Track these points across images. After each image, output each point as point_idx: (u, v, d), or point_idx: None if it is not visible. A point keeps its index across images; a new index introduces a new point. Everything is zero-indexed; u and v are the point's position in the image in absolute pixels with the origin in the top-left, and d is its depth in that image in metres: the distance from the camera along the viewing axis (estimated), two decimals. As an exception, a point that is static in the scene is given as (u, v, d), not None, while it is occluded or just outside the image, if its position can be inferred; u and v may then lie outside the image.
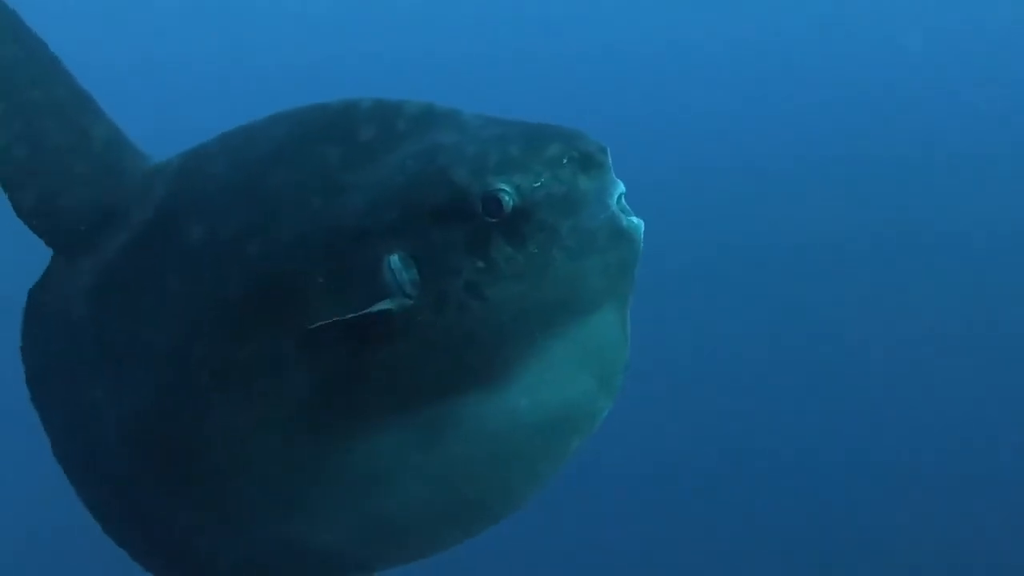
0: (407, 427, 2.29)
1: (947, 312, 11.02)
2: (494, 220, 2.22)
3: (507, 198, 2.22)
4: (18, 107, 2.49)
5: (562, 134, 2.29)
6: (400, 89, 2.53)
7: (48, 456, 2.66)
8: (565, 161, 2.25)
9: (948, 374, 10.12)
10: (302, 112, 2.41)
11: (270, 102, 2.64)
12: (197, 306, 2.38)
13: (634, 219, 2.29)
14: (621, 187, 2.30)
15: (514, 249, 2.22)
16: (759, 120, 14.35)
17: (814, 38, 15.89)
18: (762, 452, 9.41)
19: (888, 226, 12.23)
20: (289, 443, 2.35)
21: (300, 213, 2.30)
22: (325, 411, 2.31)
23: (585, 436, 2.35)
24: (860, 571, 8.41)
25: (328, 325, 2.24)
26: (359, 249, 2.26)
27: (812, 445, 9.48)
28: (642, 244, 2.29)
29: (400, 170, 2.27)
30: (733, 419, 9.75)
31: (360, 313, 2.22)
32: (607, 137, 2.37)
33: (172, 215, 2.44)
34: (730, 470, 9.28)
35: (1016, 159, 13.46)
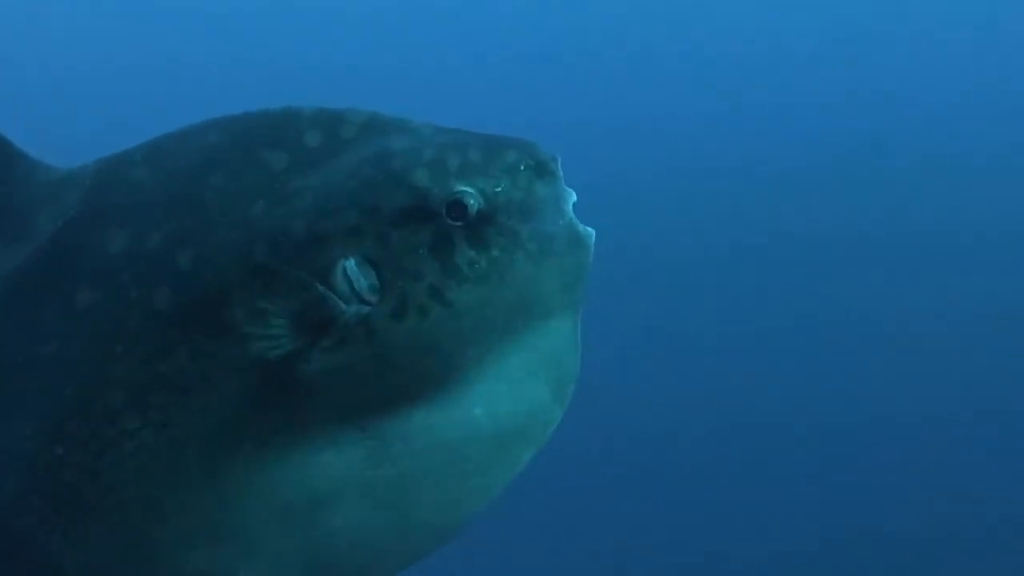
0: (353, 442, 2.20)
1: (946, 307, 11.11)
2: (458, 224, 2.20)
3: (472, 201, 2.21)
4: None
5: (516, 143, 2.31)
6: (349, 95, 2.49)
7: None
8: (522, 168, 2.27)
9: (945, 372, 10.18)
10: (238, 119, 2.33)
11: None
12: (113, 320, 2.24)
13: (588, 228, 2.31)
14: (574, 196, 2.32)
15: (477, 253, 2.20)
16: (760, 120, 14.42)
17: (812, 40, 15.94)
18: (765, 452, 9.42)
19: (886, 223, 12.33)
20: (215, 465, 2.21)
21: (240, 220, 2.21)
22: (260, 428, 2.19)
23: (537, 447, 2.31)
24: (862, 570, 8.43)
25: (272, 334, 2.16)
26: (308, 255, 2.18)
27: (813, 442, 9.50)
28: (592, 254, 2.29)
29: (353, 174, 2.22)
30: (731, 418, 9.78)
31: (317, 294, 2.13)
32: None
33: (87, 224, 2.30)
34: (732, 469, 9.29)
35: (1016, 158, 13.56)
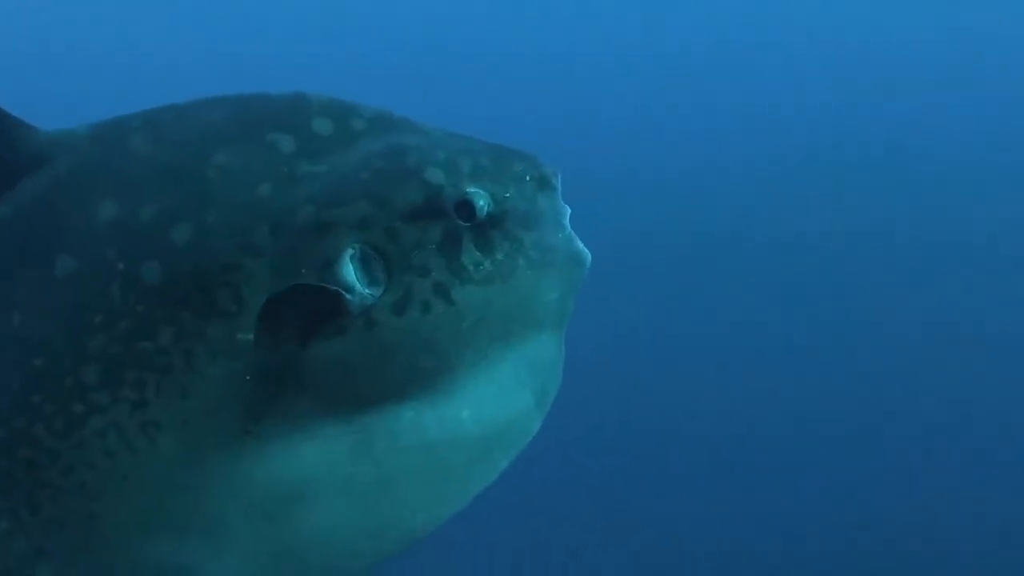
0: (337, 436, 2.16)
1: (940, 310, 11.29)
2: (467, 224, 2.22)
3: (482, 203, 2.24)
4: None
5: (522, 155, 2.36)
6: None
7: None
8: (528, 179, 2.32)
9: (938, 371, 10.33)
10: (244, 99, 2.30)
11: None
12: (94, 291, 2.14)
13: (584, 248, 2.36)
14: (569, 211, 2.38)
15: (482, 255, 2.22)
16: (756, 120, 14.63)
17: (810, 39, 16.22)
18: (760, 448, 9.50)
19: (890, 226, 12.58)
20: (189, 451, 2.13)
21: (243, 200, 2.16)
22: (241, 415, 2.13)
23: (515, 454, 2.32)
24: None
25: (267, 318, 2.10)
26: (314, 241, 2.15)
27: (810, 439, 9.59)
28: (587, 270, 2.34)
29: (364, 166, 2.21)
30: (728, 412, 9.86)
31: (321, 286, 2.10)
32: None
33: (76, 189, 2.21)
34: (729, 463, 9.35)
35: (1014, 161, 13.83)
